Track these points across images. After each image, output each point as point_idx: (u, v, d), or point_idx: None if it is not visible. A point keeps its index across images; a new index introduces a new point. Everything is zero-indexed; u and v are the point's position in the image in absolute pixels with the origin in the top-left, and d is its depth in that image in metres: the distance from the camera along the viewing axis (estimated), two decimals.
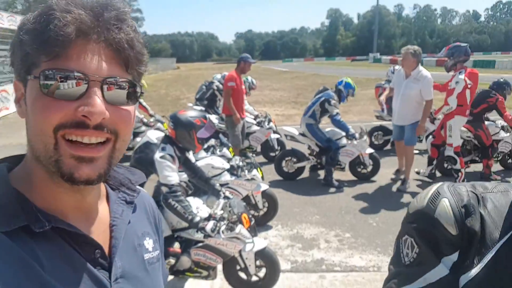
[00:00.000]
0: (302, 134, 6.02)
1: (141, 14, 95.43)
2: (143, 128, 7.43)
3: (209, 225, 2.94)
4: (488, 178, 5.73)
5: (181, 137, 3.09)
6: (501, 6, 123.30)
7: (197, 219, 2.96)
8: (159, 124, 7.42)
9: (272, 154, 7.25)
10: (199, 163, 4.23)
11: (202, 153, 5.17)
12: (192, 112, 3.15)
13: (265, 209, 4.55)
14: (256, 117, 7.55)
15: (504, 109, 5.70)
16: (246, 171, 4.28)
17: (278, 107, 15.12)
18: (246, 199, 4.39)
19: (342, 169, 6.10)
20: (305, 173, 6.33)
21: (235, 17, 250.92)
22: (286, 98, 17.65)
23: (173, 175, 2.93)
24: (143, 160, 2.98)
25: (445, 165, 5.92)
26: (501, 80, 6.07)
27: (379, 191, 5.69)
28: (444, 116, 5.47)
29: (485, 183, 0.76)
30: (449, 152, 5.38)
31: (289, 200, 5.38)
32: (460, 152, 5.41)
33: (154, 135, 3.08)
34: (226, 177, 4.27)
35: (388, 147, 7.93)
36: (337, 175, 6.15)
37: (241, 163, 4.33)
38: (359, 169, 6.10)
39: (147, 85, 9.19)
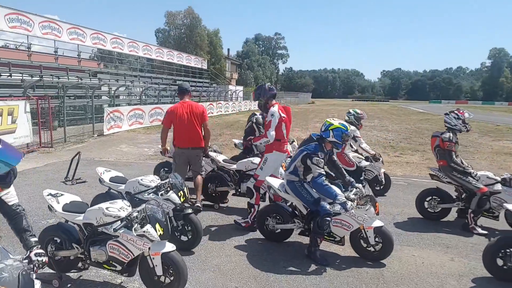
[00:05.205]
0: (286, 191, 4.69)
1: (286, 51, 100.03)
2: None
3: None
4: None
5: None
6: None
7: None
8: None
9: None
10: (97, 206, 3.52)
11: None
12: None
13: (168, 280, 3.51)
14: (373, 157, 6.91)
15: None
16: (137, 225, 3.34)
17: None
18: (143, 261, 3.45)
19: (338, 242, 4.52)
20: (292, 238, 4.94)
21: (383, 55, 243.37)
22: (387, 141, 15.44)
23: None
24: None
25: None
26: None
27: (389, 276, 3.96)
28: None
29: None
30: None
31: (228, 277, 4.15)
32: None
33: None
34: (116, 225, 3.39)
35: (450, 218, 5.82)
36: (333, 247, 4.63)
37: (135, 214, 3.41)
38: (364, 245, 4.44)
39: None
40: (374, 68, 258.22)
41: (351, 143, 7.09)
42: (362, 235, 4.38)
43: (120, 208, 3.50)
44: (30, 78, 17.18)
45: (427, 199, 5.90)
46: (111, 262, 3.52)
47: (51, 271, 3.81)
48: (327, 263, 4.29)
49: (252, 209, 5.23)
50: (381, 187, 7.21)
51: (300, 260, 4.37)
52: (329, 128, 4.46)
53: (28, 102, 11.18)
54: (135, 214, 3.39)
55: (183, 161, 5.58)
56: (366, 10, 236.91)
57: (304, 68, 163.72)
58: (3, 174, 2.41)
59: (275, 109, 5.03)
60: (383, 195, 7.12)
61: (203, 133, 5.69)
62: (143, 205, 3.53)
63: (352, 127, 6.74)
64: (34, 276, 2.63)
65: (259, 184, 5.21)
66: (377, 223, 4.32)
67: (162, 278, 3.50)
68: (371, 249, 4.40)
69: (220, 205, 6.24)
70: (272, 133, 4.98)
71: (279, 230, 4.84)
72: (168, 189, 4.45)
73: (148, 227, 3.34)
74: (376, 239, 4.34)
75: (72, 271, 3.87)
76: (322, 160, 4.33)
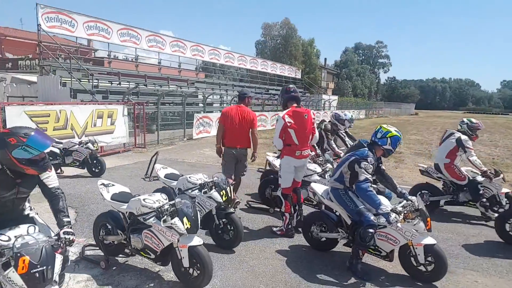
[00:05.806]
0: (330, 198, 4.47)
1: (389, 60, 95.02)
2: None
3: None
4: None
5: (2, 157, 2.72)
6: None
7: None
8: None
9: None
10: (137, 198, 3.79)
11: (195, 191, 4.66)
12: (17, 128, 2.77)
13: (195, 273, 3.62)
14: (484, 173, 5.99)
15: None
16: (166, 216, 3.50)
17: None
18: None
19: (384, 257, 4.14)
20: (338, 248, 4.66)
21: (504, 63, 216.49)
22: (490, 157, 13.69)
23: None
24: None
25: None
26: None
27: None
28: None
29: None
30: None
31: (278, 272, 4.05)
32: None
33: None
34: (148, 216, 3.61)
35: None
36: (382, 263, 4.26)
37: (166, 206, 3.58)
38: (414, 263, 3.99)
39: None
40: (492, 78, 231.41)
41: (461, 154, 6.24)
42: (411, 252, 3.96)
43: (156, 200, 3.72)
44: (136, 86, 19.27)
45: (510, 220, 5.08)
46: (146, 250, 3.76)
47: (102, 253, 4.21)
48: (368, 278, 3.97)
49: (284, 217, 5.16)
50: (503, 209, 5.98)
51: (340, 272, 4.12)
52: (388, 135, 4.22)
53: (125, 106, 12.51)
54: (166, 206, 3.57)
55: (231, 160, 5.78)
56: (483, 13, 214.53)
57: (409, 78, 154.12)
58: (35, 158, 2.74)
59: (281, 114, 4.98)
60: None
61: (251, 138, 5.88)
62: (175, 200, 3.70)
63: (464, 137, 6.22)
64: (69, 253, 2.94)
65: (286, 192, 5.11)
66: (429, 240, 3.86)
67: (190, 271, 3.62)
68: (422, 268, 3.94)
69: (275, 209, 6.20)
70: (276, 138, 4.97)
71: (324, 239, 4.63)
72: (212, 187, 4.59)
73: (176, 219, 3.49)
74: (429, 259, 3.88)
75: (120, 255, 4.22)
76: (372, 166, 4.06)
